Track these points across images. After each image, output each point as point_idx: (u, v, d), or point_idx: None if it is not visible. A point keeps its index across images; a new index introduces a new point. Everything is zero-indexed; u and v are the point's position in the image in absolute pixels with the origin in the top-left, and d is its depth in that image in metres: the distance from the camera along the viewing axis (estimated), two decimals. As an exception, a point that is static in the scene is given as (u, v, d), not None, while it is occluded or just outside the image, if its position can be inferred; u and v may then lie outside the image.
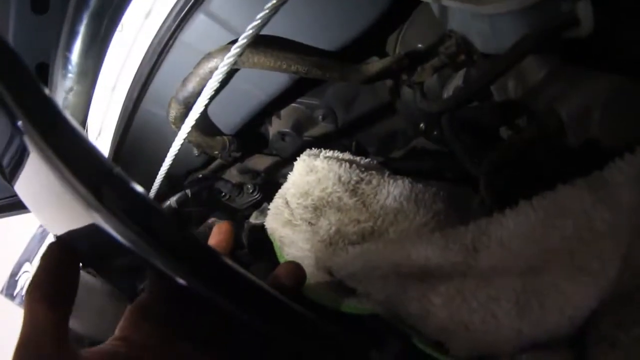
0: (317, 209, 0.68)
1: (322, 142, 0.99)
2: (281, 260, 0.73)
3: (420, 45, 0.80)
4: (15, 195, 1.60)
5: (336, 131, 0.99)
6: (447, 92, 0.77)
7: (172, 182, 1.13)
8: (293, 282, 0.48)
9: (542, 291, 0.50)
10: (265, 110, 0.92)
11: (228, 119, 0.93)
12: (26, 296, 0.37)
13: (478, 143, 0.73)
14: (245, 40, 0.59)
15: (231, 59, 0.61)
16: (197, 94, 0.79)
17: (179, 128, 0.86)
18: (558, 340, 0.54)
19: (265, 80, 0.86)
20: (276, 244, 0.76)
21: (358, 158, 0.71)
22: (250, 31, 0.58)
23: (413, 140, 0.93)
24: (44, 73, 1.12)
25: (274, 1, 0.54)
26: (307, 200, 0.68)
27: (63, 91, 0.70)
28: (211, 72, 0.76)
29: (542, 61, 0.63)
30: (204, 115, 0.87)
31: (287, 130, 0.97)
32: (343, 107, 0.96)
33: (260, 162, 1.04)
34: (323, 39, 0.81)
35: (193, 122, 0.70)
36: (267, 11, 0.55)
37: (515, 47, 0.57)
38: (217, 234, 0.61)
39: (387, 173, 0.67)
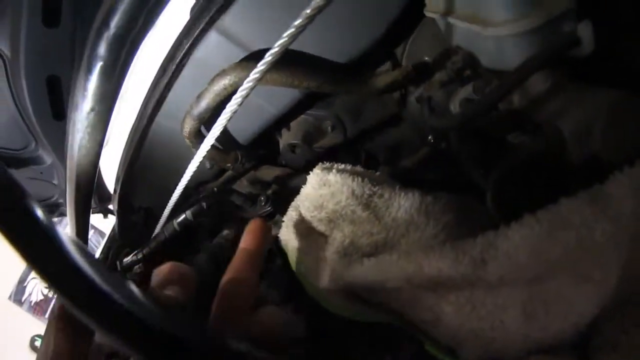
0: (331, 222, 0.73)
1: (331, 153, 1.04)
2: (296, 272, 0.78)
3: (426, 58, 0.85)
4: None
5: (345, 141, 1.03)
6: (454, 105, 0.81)
7: (183, 194, 1.18)
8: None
9: (548, 299, 0.55)
10: (276, 123, 0.97)
11: (240, 133, 0.98)
12: (50, 321, 0.43)
13: (484, 154, 0.78)
14: (270, 58, 0.63)
15: (257, 75, 0.66)
16: (211, 109, 0.84)
17: (192, 143, 0.91)
18: (563, 345, 0.59)
19: (276, 95, 0.91)
20: (290, 255, 0.81)
21: (370, 171, 0.76)
22: (277, 49, 0.62)
23: (420, 150, 0.98)
24: (55, 86, 1.17)
25: (300, 20, 0.59)
26: (321, 213, 0.73)
27: (84, 111, 0.74)
28: (225, 89, 0.81)
29: (545, 76, 0.68)
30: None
31: (297, 142, 1.01)
32: (351, 118, 1.01)
33: (270, 173, 1.09)
34: (332, 51, 0.86)
35: (213, 140, 0.75)
36: (293, 29, 0.59)
37: (522, 67, 0.62)
38: (248, 233, 0.59)
39: (397, 186, 0.71)
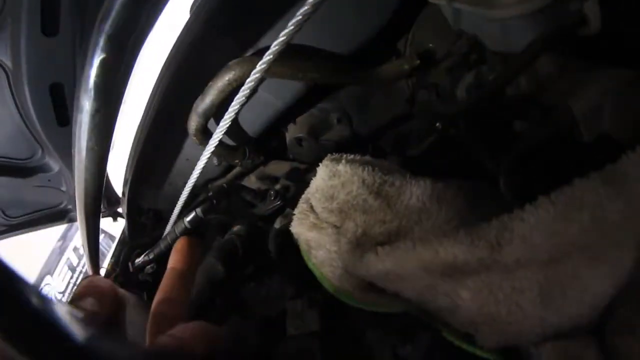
0: (343, 212, 0.73)
1: (338, 145, 1.04)
2: (309, 264, 0.78)
3: (430, 45, 0.85)
4: (32, 213, 1.67)
5: (351, 133, 1.04)
6: (460, 91, 0.81)
7: (192, 192, 1.19)
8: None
9: (563, 281, 0.56)
10: (282, 117, 0.97)
11: (247, 128, 0.98)
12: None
13: (493, 138, 0.78)
14: (276, 48, 0.63)
15: (264, 66, 0.65)
16: (216, 106, 0.85)
17: (199, 140, 0.91)
18: (580, 329, 0.59)
19: (282, 88, 0.91)
20: (303, 248, 0.81)
21: (379, 160, 0.76)
22: (283, 38, 0.62)
23: (428, 137, 0.98)
24: (58, 93, 1.18)
25: (299, 17, 0.59)
26: (333, 204, 0.73)
27: (89, 114, 0.75)
28: (230, 84, 0.81)
29: (552, 57, 0.68)
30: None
31: (303, 135, 1.02)
32: (357, 110, 1.01)
33: (278, 168, 1.09)
34: (336, 43, 0.86)
35: (221, 135, 0.75)
36: (292, 27, 0.60)
37: (529, 48, 0.62)
38: (175, 252, 0.68)
39: (408, 174, 0.72)
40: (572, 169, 0.59)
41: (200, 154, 0.83)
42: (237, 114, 0.72)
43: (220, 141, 0.89)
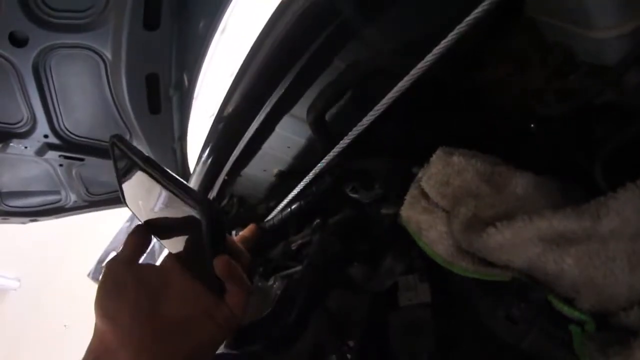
0: (455, 197, 0.95)
1: (431, 142, 1.27)
2: (420, 243, 1.03)
3: (523, 49, 1.08)
4: (111, 192, 1.95)
5: (443, 128, 1.27)
6: (551, 96, 1.03)
7: (282, 178, 1.44)
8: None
9: None
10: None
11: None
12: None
13: (581, 137, 1.02)
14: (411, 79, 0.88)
15: (415, 74, 0.89)
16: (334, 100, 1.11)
17: (315, 130, 1.17)
18: None
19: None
20: (412, 229, 1.04)
21: (485, 154, 0.99)
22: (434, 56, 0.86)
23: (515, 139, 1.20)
24: (153, 83, 1.44)
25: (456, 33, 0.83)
26: (448, 190, 0.96)
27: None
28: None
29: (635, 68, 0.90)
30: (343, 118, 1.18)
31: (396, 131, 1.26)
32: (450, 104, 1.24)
33: (371, 162, 1.33)
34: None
35: (358, 132, 1.00)
36: (434, 55, 0.84)
37: (621, 63, 0.81)
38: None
39: (512, 166, 0.96)
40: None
41: (301, 142, 1.08)
42: (372, 119, 0.97)
43: (328, 129, 1.13)
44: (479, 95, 1.17)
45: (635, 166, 0.87)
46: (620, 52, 0.81)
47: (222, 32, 1.45)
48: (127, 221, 6.34)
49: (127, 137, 1.60)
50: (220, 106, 1.30)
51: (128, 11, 1.16)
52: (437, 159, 0.98)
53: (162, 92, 1.46)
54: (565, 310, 0.84)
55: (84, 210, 2.04)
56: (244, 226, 1.40)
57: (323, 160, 1.03)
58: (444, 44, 0.84)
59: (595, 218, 0.76)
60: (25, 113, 1.45)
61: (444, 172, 0.96)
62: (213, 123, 1.35)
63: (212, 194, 1.53)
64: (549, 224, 0.79)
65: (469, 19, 0.80)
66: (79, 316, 4.19)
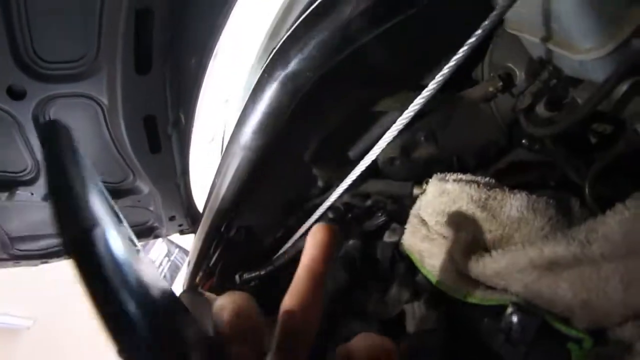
0: (454, 224, 0.99)
1: (426, 162, 1.28)
2: (423, 271, 1.08)
3: (509, 65, 1.12)
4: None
5: (437, 149, 1.29)
6: (539, 107, 1.02)
7: (286, 210, 1.49)
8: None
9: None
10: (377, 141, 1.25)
11: (352, 152, 1.28)
12: None
13: (573, 150, 1.06)
14: (431, 90, 0.89)
15: (416, 107, 0.92)
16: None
17: (318, 167, 1.22)
18: None
19: (382, 117, 1.21)
20: (415, 257, 1.09)
21: (479, 178, 1.03)
22: (434, 86, 0.88)
23: (508, 150, 1.22)
24: (151, 124, 1.48)
25: (459, 55, 0.84)
26: (444, 218, 1.01)
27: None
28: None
29: (625, 82, 0.94)
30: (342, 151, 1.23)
31: (396, 155, 1.30)
32: (441, 127, 1.25)
33: (372, 185, 1.37)
34: (424, 75, 1.15)
35: (363, 168, 1.04)
36: (452, 65, 0.84)
37: (607, 82, 0.84)
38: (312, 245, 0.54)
39: (507, 188, 1.00)
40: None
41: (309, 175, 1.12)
42: (382, 149, 1.00)
43: (329, 163, 1.18)
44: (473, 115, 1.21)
45: (626, 179, 0.91)
46: (605, 70, 0.86)
47: (214, 58, 1.50)
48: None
49: (131, 177, 1.64)
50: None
51: (119, 58, 1.19)
52: (432, 186, 1.03)
53: (160, 131, 1.50)
54: (563, 329, 0.88)
55: (94, 249, 2.10)
56: (250, 260, 1.45)
57: (336, 192, 1.07)
58: (446, 69, 0.87)
59: (584, 244, 0.80)
60: (29, 161, 1.50)
61: (440, 201, 1.01)
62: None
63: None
64: (540, 253, 0.84)
65: (471, 41, 0.83)
66: (93, 356, 4.24)
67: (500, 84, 1.09)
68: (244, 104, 1.07)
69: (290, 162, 1.29)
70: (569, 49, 0.87)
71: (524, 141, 1.09)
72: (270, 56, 0.98)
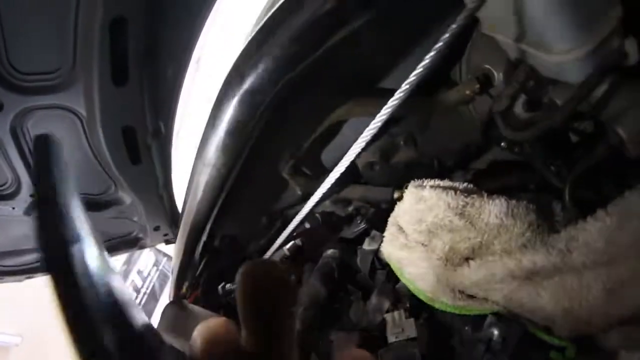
0: (431, 232, 0.96)
1: (407, 165, 1.26)
2: (402, 279, 1.04)
3: (487, 66, 1.08)
4: (109, 240, 1.95)
5: (417, 153, 1.26)
6: (518, 108, 0.99)
7: (268, 219, 1.45)
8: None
9: (623, 278, 0.76)
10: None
11: (328, 159, 1.24)
12: None
13: (553, 150, 1.01)
14: (402, 94, 0.84)
15: (388, 110, 0.87)
16: (309, 146, 1.11)
17: (291, 177, 1.17)
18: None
19: (358, 123, 1.16)
20: (394, 265, 1.05)
21: (457, 184, 0.99)
22: (404, 90, 0.83)
23: (486, 150, 1.19)
24: (130, 135, 1.44)
25: (426, 61, 0.79)
26: (422, 226, 0.97)
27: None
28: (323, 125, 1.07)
29: (603, 83, 0.90)
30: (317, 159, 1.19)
31: (376, 160, 1.26)
32: (420, 130, 1.22)
33: (355, 191, 1.33)
34: (399, 80, 1.10)
35: (338, 175, 0.99)
36: (420, 69, 0.80)
37: (585, 83, 0.82)
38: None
39: (485, 194, 0.96)
40: (623, 181, 0.83)
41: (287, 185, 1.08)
42: (358, 155, 0.94)
43: (304, 172, 1.14)
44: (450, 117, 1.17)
45: (610, 187, 0.87)
46: (583, 70, 0.82)
47: (197, 61, 1.46)
48: (124, 264, 6.35)
49: (112, 188, 1.59)
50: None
51: (95, 69, 1.15)
52: (409, 194, 0.99)
53: (140, 142, 1.46)
54: (546, 337, 0.86)
55: (79, 263, 2.05)
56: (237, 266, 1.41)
57: (310, 202, 1.03)
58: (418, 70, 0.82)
59: (564, 253, 0.76)
60: (9, 175, 1.45)
61: (416, 208, 0.97)
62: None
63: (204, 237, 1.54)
64: (518, 263, 0.80)
65: (439, 46, 0.78)
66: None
67: (478, 86, 1.03)
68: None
69: (266, 173, 1.25)
70: (545, 50, 0.83)
71: (502, 144, 1.04)
72: (228, 72, 0.95)
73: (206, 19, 1.25)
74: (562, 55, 0.80)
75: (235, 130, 0.95)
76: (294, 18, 0.83)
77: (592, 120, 0.94)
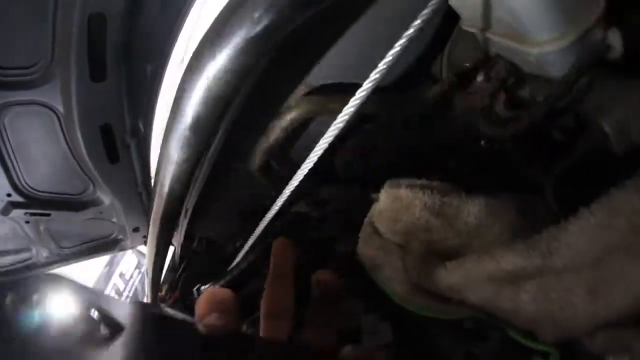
0: (407, 233, 0.89)
1: (384, 164, 1.20)
2: (377, 281, 0.95)
3: (467, 65, 1.01)
4: (82, 244, 1.88)
5: (394, 151, 1.20)
6: (499, 106, 0.96)
7: (242, 219, 1.37)
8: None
9: (609, 279, 0.70)
10: (331, 145, 1.14)
11: (300, 158, 1.16)
12: None
13: (535, 147, 0.94)
14: (364, 93, 0.76)
15: (352, 109, 0.79)
16: (280, 143, 1.02)
17: (261, 175, 1.09)
18: (629, 319, 0.73)
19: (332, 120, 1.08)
20: (369, 267, 0.97)
21: (435, 182, 0.92)
22: (370, 84, 0.75)
23: (466, 148, 1.12)
24: (108, 133, 1.37)
25: (390, 57, 0.74)
26: (397, 226, 0.90)
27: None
28: (291, 123, 0.99)
29: (586, 76, 0.83)
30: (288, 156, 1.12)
31: (353, 159, 1.19)
32: (399, 128, 1.16)
33: (327, 191, 1.26)
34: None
35: (305, 172, 0.91)
36: (384, 66, 0.75)
37: (566, 77, 0.75)
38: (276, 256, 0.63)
39: (463, 193, 0.89)
40: (609, 178, 0.75)
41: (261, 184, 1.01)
42: (325, 150, 0.88)
43: (277, 170, 1.06)
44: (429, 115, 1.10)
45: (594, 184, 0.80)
46: (564, 63, 0.76)
47: (181, 62, 1.39)
48: (106, 266, 6.22)
49: (91, 187, 1.52)
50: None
51: (73, 65, 1.11)
52: (385, 193, 0.91)
53: (118, 141, 1.40)
54: (529, 343, 0.80)
55: (58, 264, 1.99)
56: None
57: (278, 201, 0.95)
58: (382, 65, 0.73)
59: (545, 254, 0.69)
60: (-16, 173, 1.39)
61: (392, 208, 0.89)
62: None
63: (180, 238, 1.46)
64: (496, 265, 0.72)
65: (401, 42, 0.70)
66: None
67: (457, 83, 0.97)
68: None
69: (237, 171, 1.16)
70: (524, 42, 0.77)
71: (482, 142, 0.96)
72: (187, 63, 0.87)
73: (186, 16, 1.18)
74: (543, 46, 0.74)
75: (196, 126, 0.87)
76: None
77: (575, 115, 0.86)
